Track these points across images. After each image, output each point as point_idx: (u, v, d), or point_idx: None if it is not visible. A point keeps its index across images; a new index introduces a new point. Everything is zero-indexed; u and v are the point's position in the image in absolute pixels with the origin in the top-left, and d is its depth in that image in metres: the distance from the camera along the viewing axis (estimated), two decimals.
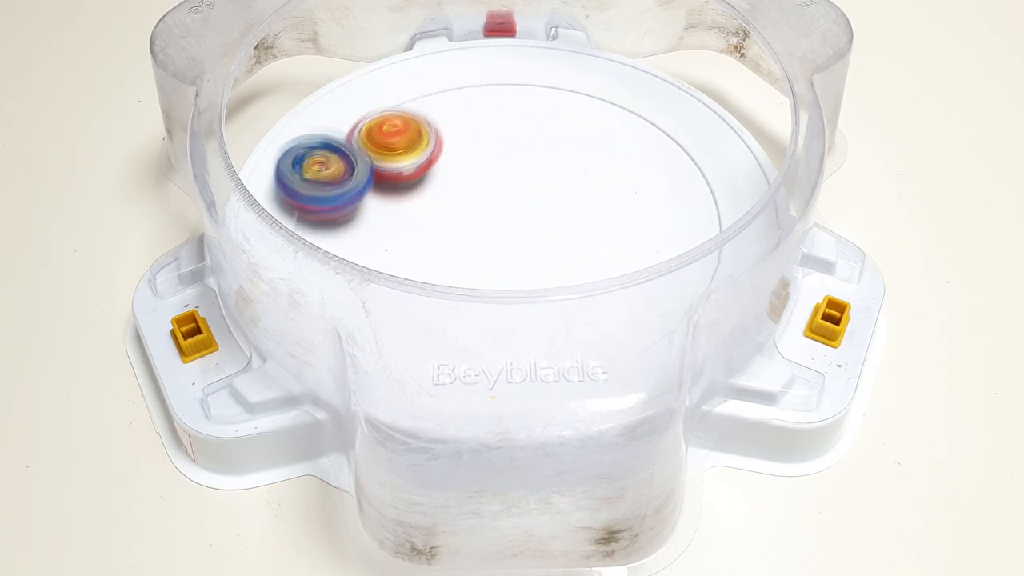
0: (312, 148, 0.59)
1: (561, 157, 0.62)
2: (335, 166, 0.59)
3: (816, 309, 0.57)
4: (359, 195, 0.59)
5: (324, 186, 0.58)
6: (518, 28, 0.69)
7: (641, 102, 0.65)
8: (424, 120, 0.62)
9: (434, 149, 0.61)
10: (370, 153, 0.60)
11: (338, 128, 0.61)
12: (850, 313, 0.56)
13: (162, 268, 0.58)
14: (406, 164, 0.60)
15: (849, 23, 0.61)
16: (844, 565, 0.52)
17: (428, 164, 0.61)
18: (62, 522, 0.53)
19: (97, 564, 0.52)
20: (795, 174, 0.54)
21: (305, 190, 0.58)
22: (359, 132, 0.61)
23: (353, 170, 0.59)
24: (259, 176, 0.60)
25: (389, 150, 0.60)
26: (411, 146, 0.60)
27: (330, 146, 0.60)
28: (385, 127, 0.61)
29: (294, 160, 0.59)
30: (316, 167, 0.59)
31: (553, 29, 0.69)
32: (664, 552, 0.52)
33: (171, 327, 0.56)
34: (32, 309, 0.60)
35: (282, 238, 0.51)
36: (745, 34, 0.66)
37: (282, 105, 0.67)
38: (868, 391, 0.57)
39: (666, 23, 0.67)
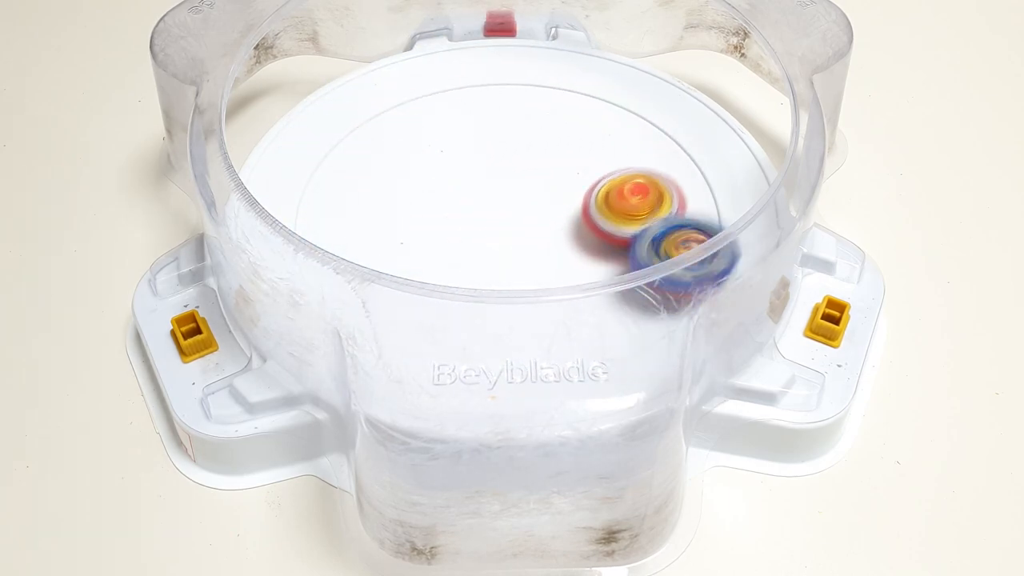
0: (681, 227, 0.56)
1: (561, 157, 0.62)
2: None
3: (816, 309, 0.57)
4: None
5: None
6: (518, 28, 0.69)
7: (641, 102, 0.65)
8: (663, 179, 0.58)
9: (677, 209, 0.57)
10: (607, 219, 0.56)
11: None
12: (850, 313, 0.56)
13: (162, 268, 0.58)
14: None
15: (849, 23, 0.61)
16: (844, 565, 0.52)
17: None
18: (62, 522, 0.53)
19: (97, 564, 0.52)
20: (795, 174, 0.54)
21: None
22: (595, 196, 0.57)
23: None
24: (259, 176, 0.60)
25: (630, 215, 0.57)
26: (653, 210, 0.57)
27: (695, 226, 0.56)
28: (625, 189, 0.57)
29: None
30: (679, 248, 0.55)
31: (553, 29, 0.69)
32: (664, 552, 0.52)
33: (171, 327, 0.56)
34: (32, 309, 0.60)
35: (282, 238, 0.51)
36: (745, 34, 0.66)
37: (282, 105, 0.67)
38: (868, 391, 0.57)
39: (666, 23, 0.67)
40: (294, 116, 0.64)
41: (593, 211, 0.57)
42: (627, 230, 0.56)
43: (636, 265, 0.54)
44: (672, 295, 0.49)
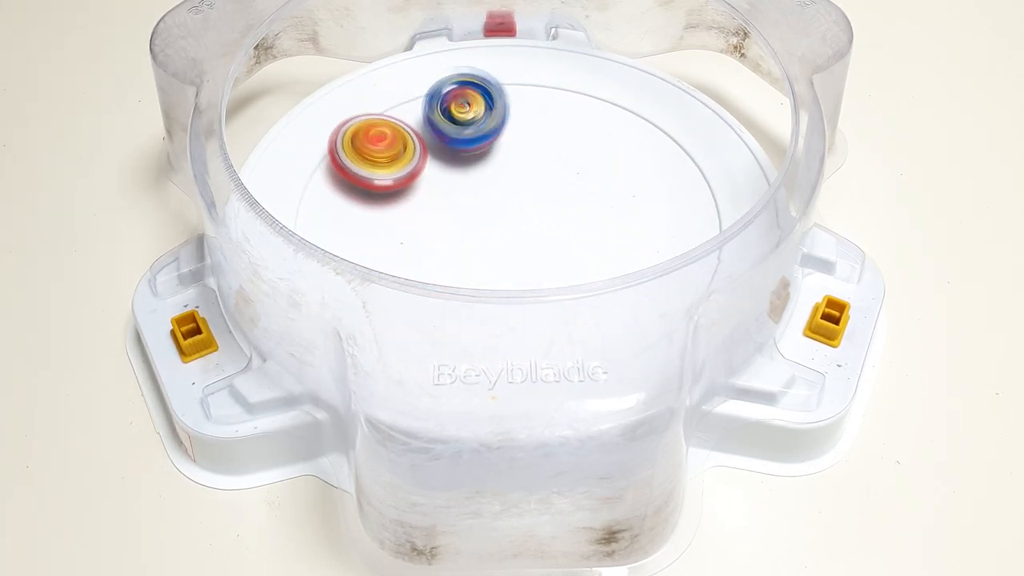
0: (451, 87, 0.61)
1: (561, 157, 0.62)
2: (476, 105, 0.61)
3: (816, 309, 0.57)
4: (498, 131, 0.61)
5: (466, 126, 0.61)
6: (518, 28, 0.69)
7: (641, 102, 0.65)
8: (409, 129, 0.61)
9: (418, 162, 0.61)
10: (352, 161, 0.60)
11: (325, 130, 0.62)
12: (850, 313, 0.56)
13: (162, 268, 0.58)
14: (386, 175, 0.60)
15: (849, 23, 0.61)
16: (844, 565, 0.52)
17: (410, 178, 0.60)
18: (62, 522, 0.53)
19: (97, 564, 0.52)
20: (795, 174, 0.54)
21: (453, 132, 0.61)
22: (342, 136, 0.60)
23: (492, 107, 0.61)
24: (259, 176, 0.60)
25: (371, 160, 0.60)
26: (395, 158, 0.60)
27: (468, 83, 0.61)
28: (372, 133, 0.60)
29: (440, 103, 0.61)
30: (460, 108, 0.61)
31: (553, 29, 0.69)
32: (664, 552, 0.52)
33: (171, 327, 0.56)
34: (32, 309, 0.60)
35: (282, 238, 0.51)
36: (745, 34, 0.66)
37: (282, 105, 0.67)
38: (868, 391, 0.57)
39: (666, 23, 0.67)
40: (294, 116, 0.64)
41: (340, 151, 0.60)
42: (368, 173, 0.59)
43: (428, 123, 0.62)
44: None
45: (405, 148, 0.60)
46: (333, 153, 0.60)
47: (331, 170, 0.61)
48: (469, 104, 0.61)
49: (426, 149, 0.61)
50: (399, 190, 0.60)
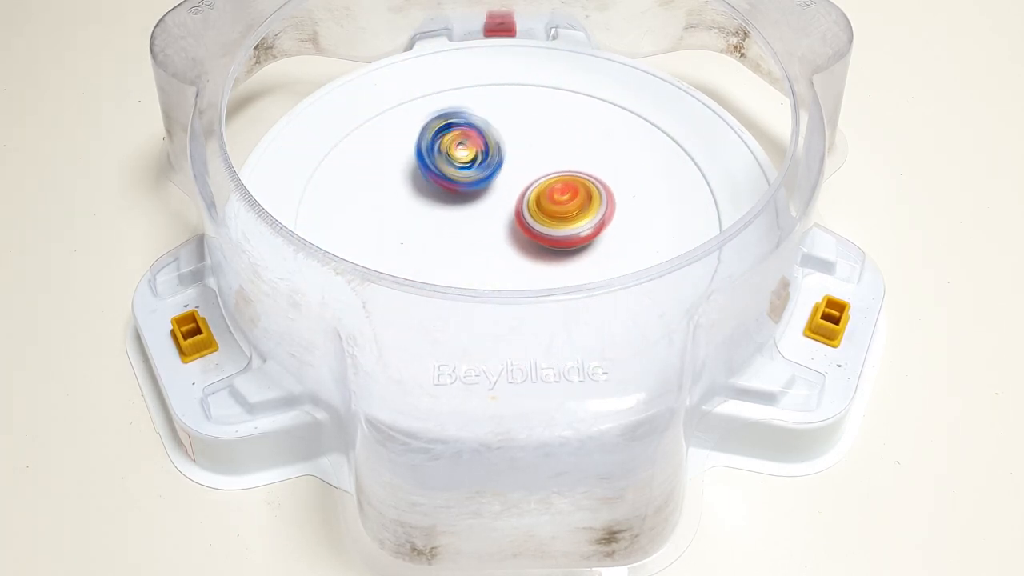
0: (452, 125, 0.60)
1: (561, 157, 0.62)
2: (472, 142, 0.59)
3: (816, 309, 0.57)
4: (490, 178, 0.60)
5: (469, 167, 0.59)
6: (518, 28, 0.69)
7: (641, 102, 0.65)
8: (593, 180, 0.59)
9: (606, 211, 0.58)
10: (539, 222, 0.57)
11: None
12: (850, 313, 0.56)
13: (162, 268, 0.58)
14: (580, 227, 0.57)
15: (849, 23, 0.61)
16: (844, 565, 0.52)
17: (601, 226, 0.57)
18: (62, 522, 0.53)
19: (97, 564, 0.52)
20: (795, 174, 0.54)
21: (463, 177, 0.59)
22: (527, 200, 0.58)
23: (488, 151, 0.59)
24: (259, 176, 0.60)
25: (560, 218, 0.57)
26: (582, 209, 0.57)
27: (469, 123, 0.60)
28: (556, 194, 0.57)
29: (433, 136, 0.59)
30: (455, 147, 0.59)
31: (553, 29, 0.69)
32: (664, 552, 0.52)
33: (171, 327, 0.56)
34: (32, 309, 0.60)
35: (282, 238, 0.51)
36: (745, 34, 0.66)
37: (282, 105, 0.67)
38: (868, 391, 0.57)
39: (666, 23, 0.67)
40: (294, 116, 0.64)
41: (526, 214, 0.58)
42: (560, 231, 0.57)
43: (419, 156, 0.60)
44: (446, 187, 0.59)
45: (591, 198, 0.58)
46: (520, 217, 0.58)
47: (335, 171, 0.61)
48: (466, 143, 0.59)
49: (612, 196, 0.58)
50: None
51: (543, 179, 0.59)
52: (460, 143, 0.59)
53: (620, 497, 0.48)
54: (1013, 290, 0.61)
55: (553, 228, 0.57)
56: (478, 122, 0.60)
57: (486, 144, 0.59)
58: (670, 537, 0.52)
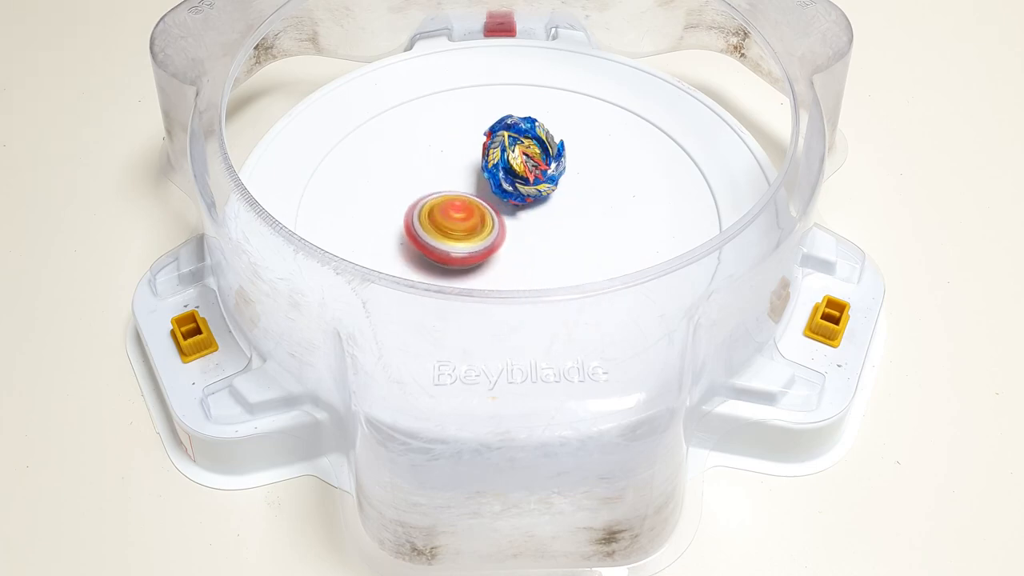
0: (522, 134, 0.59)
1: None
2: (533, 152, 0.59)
3: (816, 309, 0.57)
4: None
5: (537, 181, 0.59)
6: (518, 28, 0.69)
7: (641, 102, 0.65)
8: (485, 206, 0.58)
9: (497, 236, 0.57)
10: (428, 234, 0.57)
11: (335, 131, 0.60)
12: (850, 313, 0.56)
13: (162, 268, 0.58)
14: (463, 248, 0.57)
15: (849, 23, 0.61)
16: (844, 565, 0.52)
17: (488, 252, 0.57)
18: (62, 522, 0.53)
19: (97, 564, 0.52)
20: (795, 174, 0.54)
21: (533, 192, 0.59)
22: (418, 212, 0.58)
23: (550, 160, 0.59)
24: (259, 176, 0.60)
25: (447, 234, 0.57)
26: (472, 232, 0.57)
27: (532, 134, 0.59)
28: (451, 210, 0.57)
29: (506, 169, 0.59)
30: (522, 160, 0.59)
31: (553, 29, 0.69)
32: (664, 552, 0.52)
33: (171, 327, 0.56)
34: (32, 309, 0.60)
35: (282, 238, 0.51)
36: (745, 34, 0.66)
37: (282, 105, 0.67)
38: (868, 391, 0.57)
39: (666, 23, 0.67)
40: (294, 116, 0.64)
41: (416, 225, 0.57)
42: (446, 247, 0.56)
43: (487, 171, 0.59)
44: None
45: (483, 223, 0.57)
46: (409, 227, 0.57)
47: (335, 170, 0.61)
48: (531, 156, 0.59)
49: (503, 225, 0.58)
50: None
51: (430, 197, 0.58)
52: (527, 158, 0.59)
53: (620, 497, 0.48)
54: (1013, 290, 0.61)
55: (438, 242, 0.56)
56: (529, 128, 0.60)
57: (544, 149, 0.60)
58: (670, 537, 0.52)
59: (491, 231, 0.57)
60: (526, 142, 0.59)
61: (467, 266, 0.57)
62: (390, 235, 0.59)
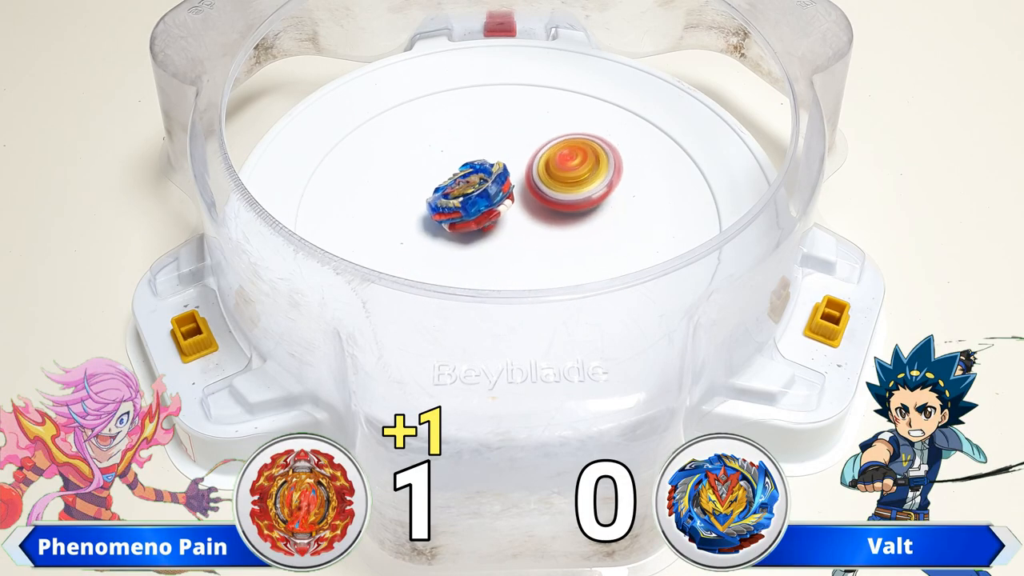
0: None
1: None
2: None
3: (816, 309, 0.57)
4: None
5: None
6: (518, 28, 0.69)
7: (641, 102, 0.65)
8: (600, 143, 0.60)
9: (614, 173, 0.59)
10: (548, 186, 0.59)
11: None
12: (850, 313, 0.56)
13: (162, 268, 0.58)
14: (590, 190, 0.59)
15: (849, 23, 0.61)
16: None
17: (609, 190, 0.59)
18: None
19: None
20: (795, 174, 0.54)
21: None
22: (537, 164, 0.59)
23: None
24: (259, 176, 0.60)
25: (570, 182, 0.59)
26: (592, 174, 0.59)
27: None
28: (560, 158, 0.59)
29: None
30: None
31: (553, 29, 0.69)
32: (664, 552, 0.51)
33: (171, 327, 0.56)
34: (32, 309, 0.60)
35: (282, 238, 0.51)
36: (745, 34, 0.66)
37: (282, 105, 0.67)
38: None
39: (666, 23, 0.67)
40: (294, 116, 0.64)
41: (536, 180, 0.59)
42: (570, 195, 0.59)
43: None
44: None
45: (598, 162, 0.59)
46: (530, 180, 0.59)
47: (335, 170, 0.61)
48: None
49: (619, 158, 0.60)
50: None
51: (549, 145, 0.60)
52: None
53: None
54: (1013, 290, 0.61)
55: (565, 193, 0.59)
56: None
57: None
58: None
59: (607, 168, 0.59)
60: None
61: (594, 207, 0.59)
62: (390, 235, 0.59)
